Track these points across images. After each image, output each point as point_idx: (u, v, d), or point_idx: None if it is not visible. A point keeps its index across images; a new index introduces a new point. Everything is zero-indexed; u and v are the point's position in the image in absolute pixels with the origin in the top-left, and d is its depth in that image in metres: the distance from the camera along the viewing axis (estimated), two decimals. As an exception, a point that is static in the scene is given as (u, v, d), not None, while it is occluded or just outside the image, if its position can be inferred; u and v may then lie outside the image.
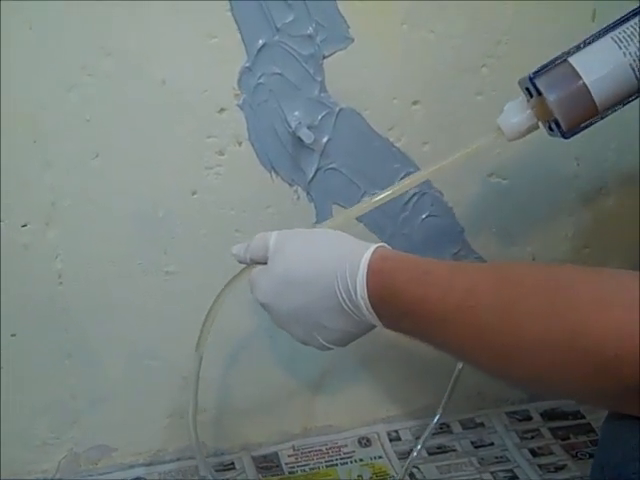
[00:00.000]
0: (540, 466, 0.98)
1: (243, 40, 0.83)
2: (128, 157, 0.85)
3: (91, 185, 0.85)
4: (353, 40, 0.86)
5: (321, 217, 0.92)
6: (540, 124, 0.72)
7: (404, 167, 0.92)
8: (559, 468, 0.98)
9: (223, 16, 0.82)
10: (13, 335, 0.88)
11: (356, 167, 0.91)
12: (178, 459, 0.99)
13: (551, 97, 0.68)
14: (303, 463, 0.99)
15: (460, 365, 0.83)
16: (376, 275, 0.64)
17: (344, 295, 0.65)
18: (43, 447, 0.93)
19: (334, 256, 0.66)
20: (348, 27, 0.85)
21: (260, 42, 0.83)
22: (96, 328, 0.90)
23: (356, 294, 0.64)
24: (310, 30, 0.84)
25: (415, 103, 0.91)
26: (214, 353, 0.93)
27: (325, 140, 0.89)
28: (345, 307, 0.65)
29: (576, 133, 0.70)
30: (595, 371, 0.51)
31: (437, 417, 0.88)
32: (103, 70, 0.80)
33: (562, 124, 0.69)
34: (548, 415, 1.07)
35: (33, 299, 0.87)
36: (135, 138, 0.84)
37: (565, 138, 0.70)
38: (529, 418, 1.07)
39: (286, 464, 0.99)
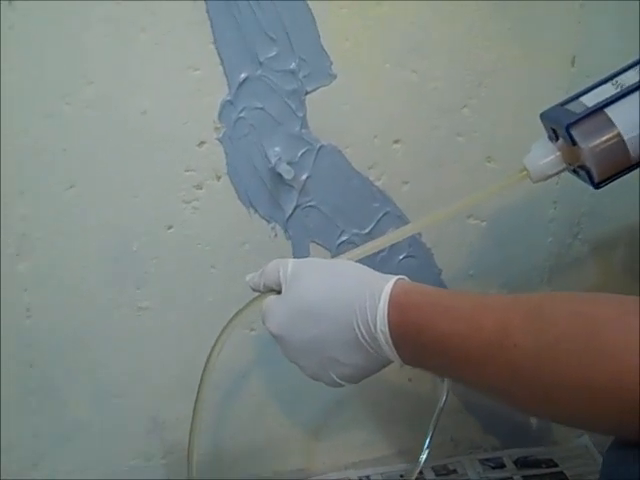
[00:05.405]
0: (513, 514, 0.97)
1: (225, 73, 0.82)
2: (104, 188, 0.83)
3: (64, 216, 0.82)
4: (336, 77, 0.85)
5: (298, 255, 0.91)
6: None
7: (383, 206, 0.92)
8: (532, 516, 0.97)
9: (206, 48, 0.81)
10: (-24, 370, 0.85)
11: (335, 205, 0.90)
12: (142, 502, 0.96)
13: (586, 148, 0.68)
14: (273, 507, 0.97)
15: (439, 410, 0.81)
16: (398, 309, 0.62)
17: (362, 328, 0.63)
18: (3, 489, 0.90)
19: (353, 287, 0.64)
20: (331, 63, 0.85)
21: (242, 76, 0.83)
22: (63, 364, 0.88)
23: (375, 328, 0.62)
24: (293, 65, 0.84)
25: (396, 142, 0.90)
26: (181, 397, 0.91)
27: (305, 177, 0.88)
28: (362, 341, 0.64)
29: (605, 184, 0.70)
30: (632, 415, 0.51)
31: (423, 458, 0.84)
32: (83, 99, 0.79)
33: (594, 175, 0.69)
34: (521, 463, 1.06)
35: (-1, 333, 0.84)
36: (112, 169, 0.82)
37: (595, 188, 0.70)
38: (502, 466, 1.05)
39: (256, 508, 0.97)
